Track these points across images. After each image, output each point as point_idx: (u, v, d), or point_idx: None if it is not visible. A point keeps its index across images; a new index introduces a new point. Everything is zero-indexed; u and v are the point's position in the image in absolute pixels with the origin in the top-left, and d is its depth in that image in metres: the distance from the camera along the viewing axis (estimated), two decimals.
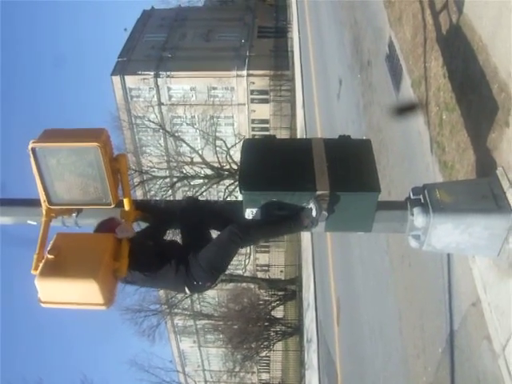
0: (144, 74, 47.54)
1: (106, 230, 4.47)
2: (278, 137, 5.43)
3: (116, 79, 47.98)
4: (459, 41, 6.29)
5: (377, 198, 4.55)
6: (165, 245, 4.80)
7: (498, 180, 4.95)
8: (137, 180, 35.18)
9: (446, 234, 4.75)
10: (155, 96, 48.12)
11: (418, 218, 4.68)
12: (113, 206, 4.42)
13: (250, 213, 4.61)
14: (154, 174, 37.25)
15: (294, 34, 40.43)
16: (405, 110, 8.71)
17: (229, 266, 4.79)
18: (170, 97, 48.83)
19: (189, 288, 4.70)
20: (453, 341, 6.65)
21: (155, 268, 4.57)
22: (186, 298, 39.68)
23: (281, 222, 4.63)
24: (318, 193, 4.46)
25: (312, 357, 25.44)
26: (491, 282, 5.35)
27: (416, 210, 4.69)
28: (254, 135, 48.44)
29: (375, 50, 11.62)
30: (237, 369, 41.56)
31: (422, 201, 4.81)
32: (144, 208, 4.84)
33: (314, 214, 4.48)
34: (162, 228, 4.92)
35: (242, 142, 5.06)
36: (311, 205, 4.47)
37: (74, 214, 4.77)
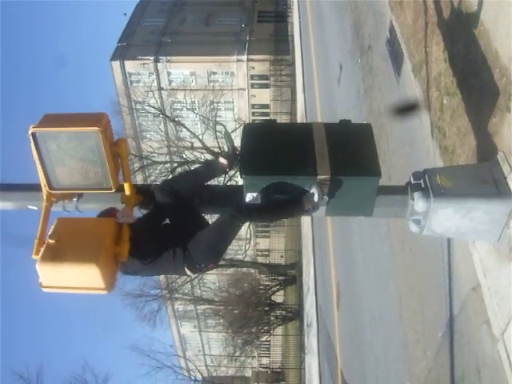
0: (144, 59, 47.34)
1: (107, 216, 4.48)
2: (279, 121, 5.42)
3: (116, 64, 47.80)
4: (460, 25, 6.26)
5: (377, 182, 4.55)
6: (162, 230, 4.79)
7: (498, 165, 4.95)
8: (137, 165, 35.20)
9: (446, 218, 4.75)
10: (155, 81, 47.93)
11: (418, 203, 4.69)
12: (113, 190, 4.43)
13: (250, 197, 4.62)
14: (154, 159, 37.25)
15: (295, 19, 40.24)
16: (406, 109, 8.67)
17: (229, 248, 4.82)
18: (170, 82, 48.65)
19: (191, 270, 4.69)
20: (452, 325, 6.67)
21: (154, 256, 4.58)
22: (187, 282, 39.81)
23: (282, 206, 4.63)
24: (319, 177, 4.47)
25: (312, 341, 25.54)
26: (491, 267, 5.36)
27: (416, 195, 4.70)
28: (254, 120, 48.28)
29: (376, 35, 11.57)
30: (237, 353, 41.74)
31: (423, 185, 4.81)
32: (144, 193, 4.83)
33: (316, 198, 4.49)
34: (161, 212, 4.90)
35: (242, 127, 5.08)
36: (313, 189, 4.47)
37: (74, 199, 4.78)
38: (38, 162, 4.28)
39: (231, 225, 4.53)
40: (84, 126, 4.12)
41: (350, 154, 4.64)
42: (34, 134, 4.14)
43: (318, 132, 4.76)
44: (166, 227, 4.81)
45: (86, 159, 4.28)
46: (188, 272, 4.71)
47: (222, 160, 4.77)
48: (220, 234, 4.58)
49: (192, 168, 5.15)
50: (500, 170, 4.88)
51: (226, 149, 4.82)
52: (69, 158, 4.28)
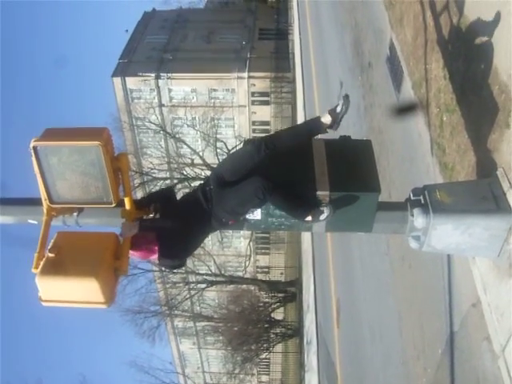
0: (145, 76, 47.54)
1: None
2: None
3: (117, 80, 47.99)
4: (460, 42, 6.30)
5: (377, 198, 4.56)
6: (183, 209, 4.84)
7: (498, 181, 4.95)
8: (137, 181, 35.26)
9: (446, 234, 4.76)
10: (156, 97, 48.13)
11: (418, 219, 4.69)
12: (114, 205, 4.43)
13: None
14: (154, 175, 37.33)
15: (295, 36, 40.45)
16: (405, 110, 8.71)
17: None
18: (171, 98, 48.82)
19: (222, 227, 4.94)
20: (453, 342, 6.65)
21: (191, 234, 4.73)
22: (187, 299, 39.72)
23: (295, 202, 4.63)
24: (319, 193, 4.47)
25: (312, 359, 25.44)
26: (491, 283, 5.35)
27: (416, 211, 4.70)
28: (254, 137, 48.35)
29: (376, 52, 11.62)
30: (236, 371, 41.54)
31: (423, 202, 4.82)
32: (145, 204, 4.84)
33: (322, 217, 4.49)
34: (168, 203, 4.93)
35: (242, 143, 5.10)
36: (324, 208, 4.47)
37: (74, 214, 4.78)
38: (38, 175, 4.28)
39: (254, 199, 4.55)
40: (85, 141, 4.13)
41: (349, 169, 4.66)
42: (35, 148, 4.14)
43: (317, 147, 4.78)
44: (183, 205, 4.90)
45: (87, 173, 4.28)
46: (217, 228, 4.94)
47: (326, 118, 4.65)
48: (243, 203, 4.65)
49: (294, 126, 5.10)
50: (499, 186, 4.89)
51: (338, 108, 4.60)
52: (70, 172, 4.29)
